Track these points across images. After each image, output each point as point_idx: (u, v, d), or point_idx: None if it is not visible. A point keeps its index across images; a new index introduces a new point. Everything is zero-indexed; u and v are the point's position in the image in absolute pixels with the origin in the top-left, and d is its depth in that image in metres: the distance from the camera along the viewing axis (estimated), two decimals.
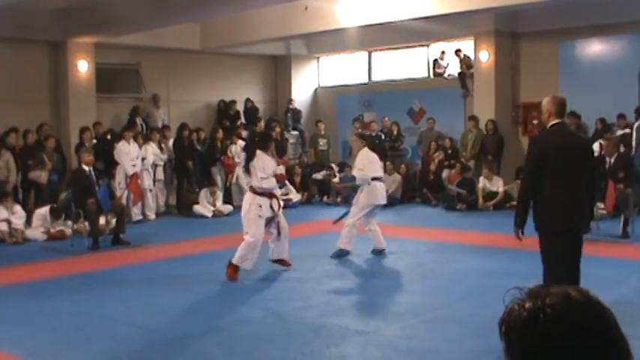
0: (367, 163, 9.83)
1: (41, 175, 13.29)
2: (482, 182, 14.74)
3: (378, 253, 9.97)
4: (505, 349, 1.49)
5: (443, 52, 17.84)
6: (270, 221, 8.90)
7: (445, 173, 15.93)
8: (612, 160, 11.21)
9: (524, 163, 6.42)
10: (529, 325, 1.43)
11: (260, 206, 8.72)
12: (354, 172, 9.97)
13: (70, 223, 12.07)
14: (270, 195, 8.91)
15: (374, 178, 9.82)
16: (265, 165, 8.80)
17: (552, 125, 5.94)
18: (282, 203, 9.33)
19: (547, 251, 5.91)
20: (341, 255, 9.74)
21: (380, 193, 9.88)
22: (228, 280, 8.52)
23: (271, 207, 8.83)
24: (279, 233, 9.00)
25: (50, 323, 6.95)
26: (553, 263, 5.87)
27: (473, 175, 15.09)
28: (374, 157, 10.08)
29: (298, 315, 7.18)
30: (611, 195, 10.83)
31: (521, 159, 16.31)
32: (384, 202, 10.10)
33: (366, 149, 10.01)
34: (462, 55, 16.92)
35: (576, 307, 1.44)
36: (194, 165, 15.33)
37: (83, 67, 15.33)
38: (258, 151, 8.86)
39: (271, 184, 8.92)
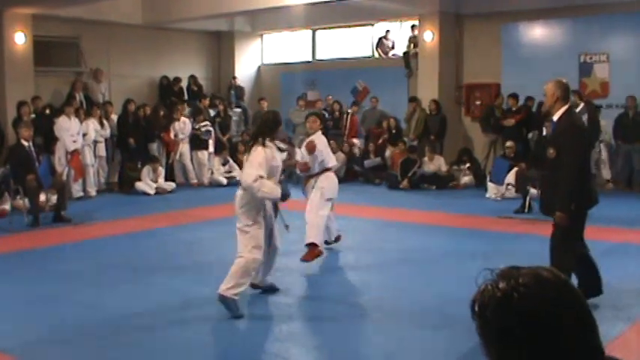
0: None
1: None
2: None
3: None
4: (479, 328, 1.52)
5: (387, 31, 17.90)
6: None
7: (388, 152, 16.05)
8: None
9: (570, 151, 5.77)
10: (503, 305, 1.47)
11: None
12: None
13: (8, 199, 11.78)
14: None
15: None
16: None
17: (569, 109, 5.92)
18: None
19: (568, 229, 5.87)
20: None
21: None
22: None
23: None
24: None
25: None
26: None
27: (418, 155, 15.16)
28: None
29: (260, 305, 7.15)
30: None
31: (463, 139, 16.58)
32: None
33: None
34: (416, 32, 16.91)
35: (548, 286, 1.49)
36: (136, 142, 15.05)
37: (20, 39, 14.85)
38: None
39: None
